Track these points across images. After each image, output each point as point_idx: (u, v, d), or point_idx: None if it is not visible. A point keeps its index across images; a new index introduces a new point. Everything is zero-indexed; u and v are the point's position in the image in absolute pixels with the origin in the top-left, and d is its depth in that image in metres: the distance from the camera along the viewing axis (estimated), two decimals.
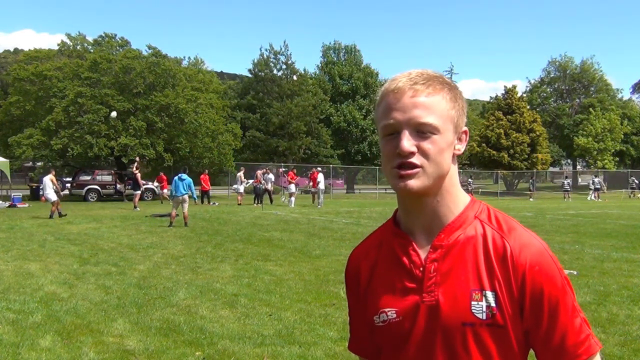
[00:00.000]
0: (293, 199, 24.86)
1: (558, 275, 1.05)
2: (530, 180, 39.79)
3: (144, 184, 30.43)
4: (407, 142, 1.03)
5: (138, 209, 20.81)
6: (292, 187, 25.83)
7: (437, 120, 1.04)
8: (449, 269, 1.07)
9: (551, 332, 1.04)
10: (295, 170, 28.07)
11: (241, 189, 25.84)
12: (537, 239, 1.08)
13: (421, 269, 1.09)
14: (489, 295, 1.04)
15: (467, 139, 1.13)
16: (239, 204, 24.62)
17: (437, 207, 1.10)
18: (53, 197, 17.22)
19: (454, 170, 1.11)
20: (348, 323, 1.28)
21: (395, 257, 1.13)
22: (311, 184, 27.69)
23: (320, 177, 24.95)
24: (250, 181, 28.09)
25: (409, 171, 1.04)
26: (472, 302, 1.04)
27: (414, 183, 1.04)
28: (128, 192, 29.29)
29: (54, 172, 18.59)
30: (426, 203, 1.10)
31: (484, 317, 1.04)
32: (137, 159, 23.39)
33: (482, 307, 1.04)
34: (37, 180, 32.86)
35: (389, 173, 1.07)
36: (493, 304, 1.04)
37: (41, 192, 29.92)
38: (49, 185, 17.49)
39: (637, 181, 36.92)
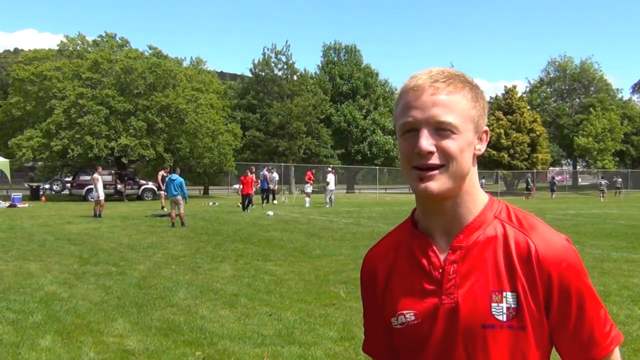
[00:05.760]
0: (308, 199, 24.92)
1: (583, 269, 1.05)
2: (553, 180, 40.23)
3: (143, 184, 30.50)
4: (426, 142, 1.01)
5: (165, 209, 20.08)
6: (309, 188, 25.80)
7: (457, 119, 1.02)
8: (469, 270, 1.06)
9: (580, 326, 1.03)
10: (314, 171, 27.94)
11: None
12: (559, 234, 1.07)
13: (440, 270, 1.07)
14: (509, 296, 1.03)
15: (488, 139, 1.11)
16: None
17: (456, 208, 1.08)
18: (101, 195, 17.49)
19: (474, 170, 1.09)
20: (362, 325, 1.27)
21: (414, 258, 1.11)
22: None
23: (330, 178, 25.07)
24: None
25: (429, 173, 1.01)
26: (492, 304, 1.03)
27: (434, 185, 1.02)
28: (129, 191, 29.35)
29: (100, 170, 18.80)
30: (446, 204, 1.07)
31: (505, 319, 1.02)
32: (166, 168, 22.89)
33: (502, 308, 1.02)
34: (38, 180, 32.91)
35: (408, 174, 1.05)
36: (514, 305, 1.02)
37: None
38: (96, 184, 17.69)
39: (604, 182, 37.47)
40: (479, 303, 1.03)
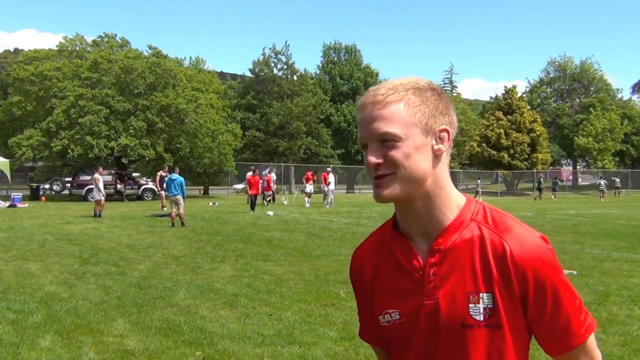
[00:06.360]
0: (308, 199, 24.91)
1: (558, 267, 1.09)
2: (555, 180, 40.16)
3: (143, 184, 30.51)
4: (371, 156, 1.07)
5: (166, 209, 19.75)
6: (309, 188, 25.82)
7: (397, 127, 1.06)
8: (447, 272, 1.10)
9: (556, 318, 1.08)
10: (314, 171, 27.94)
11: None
12: (534, 233, 1.11)
13: (421, 272, 1.12)
14: (485, 297, 1.08)
15: (451, 137, 1.12)
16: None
17: (429, 212, 1.11)
18: (98, 196, 17.56)
19: (440, 172, 1.11)
20: (357, 313, 1.32)
21: (396, 260, 1.16)
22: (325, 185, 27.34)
23: (331, 178, 25.16)
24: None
25: (380, 180, 1.08)
26: (470, 305, 1.08)
27: (383, 191, 1.08)
28: (129, 191, 29.36)
29: (100, 170, 18.89)
30: (415, 208, 1.11)
31: (482, 319, 1.07)
32: (164, 168, 22.66)
33: (479, 309, 1.08)
34: (38, 180, 32.88)
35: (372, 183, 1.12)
36: (490, 305, 1.07)
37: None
38: (97, 184, 17.72)
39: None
40: (457, 304, 1.09)
